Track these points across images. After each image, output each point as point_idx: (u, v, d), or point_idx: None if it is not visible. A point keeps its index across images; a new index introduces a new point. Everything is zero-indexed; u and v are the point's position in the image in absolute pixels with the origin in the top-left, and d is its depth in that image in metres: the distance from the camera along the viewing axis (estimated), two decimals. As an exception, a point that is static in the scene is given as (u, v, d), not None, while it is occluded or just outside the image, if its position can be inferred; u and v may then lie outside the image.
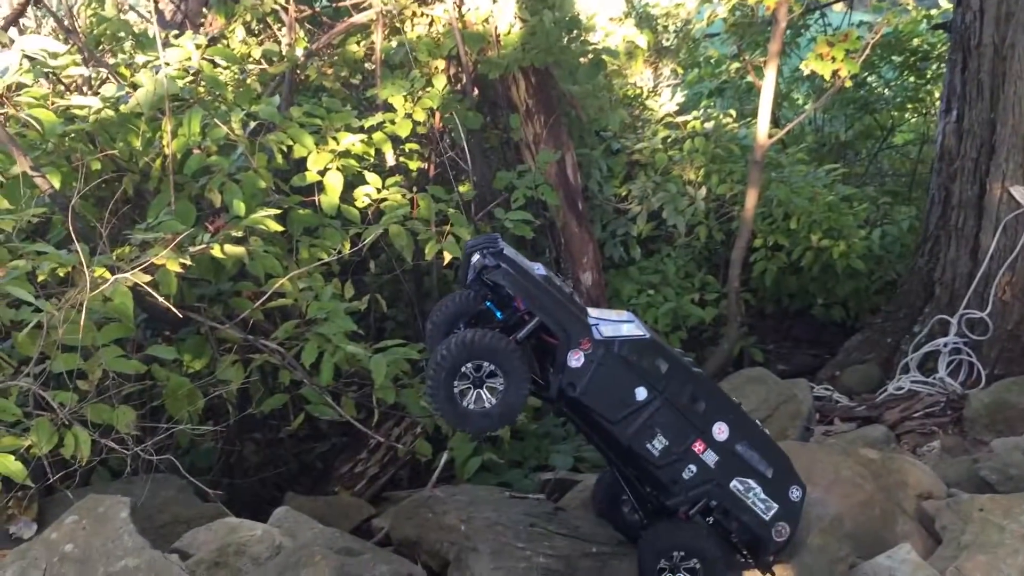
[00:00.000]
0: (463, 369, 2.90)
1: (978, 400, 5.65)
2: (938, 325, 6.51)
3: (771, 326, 8.12)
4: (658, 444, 3.11)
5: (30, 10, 6.02)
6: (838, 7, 11.38)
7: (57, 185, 3.77)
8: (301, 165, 4.89)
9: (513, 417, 3.03)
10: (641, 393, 3.08)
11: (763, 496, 3.25)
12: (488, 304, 3.19)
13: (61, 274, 3.38)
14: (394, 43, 5.97)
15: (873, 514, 3.89)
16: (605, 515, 3.68)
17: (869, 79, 10.49)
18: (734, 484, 3.22)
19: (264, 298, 4.06)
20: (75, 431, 3.07)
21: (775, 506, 3.26)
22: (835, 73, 5.78)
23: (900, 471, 4.17)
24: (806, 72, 6.08)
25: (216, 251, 3.78)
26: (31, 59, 4.20)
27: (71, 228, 3.18)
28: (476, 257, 3.12)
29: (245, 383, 4.12)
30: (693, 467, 3.16)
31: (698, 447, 3.16)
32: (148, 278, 3.28)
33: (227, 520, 3.29)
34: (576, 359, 3.01)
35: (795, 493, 3.32)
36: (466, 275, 3.23)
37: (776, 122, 8.55)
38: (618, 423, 3.08)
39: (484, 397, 2.93)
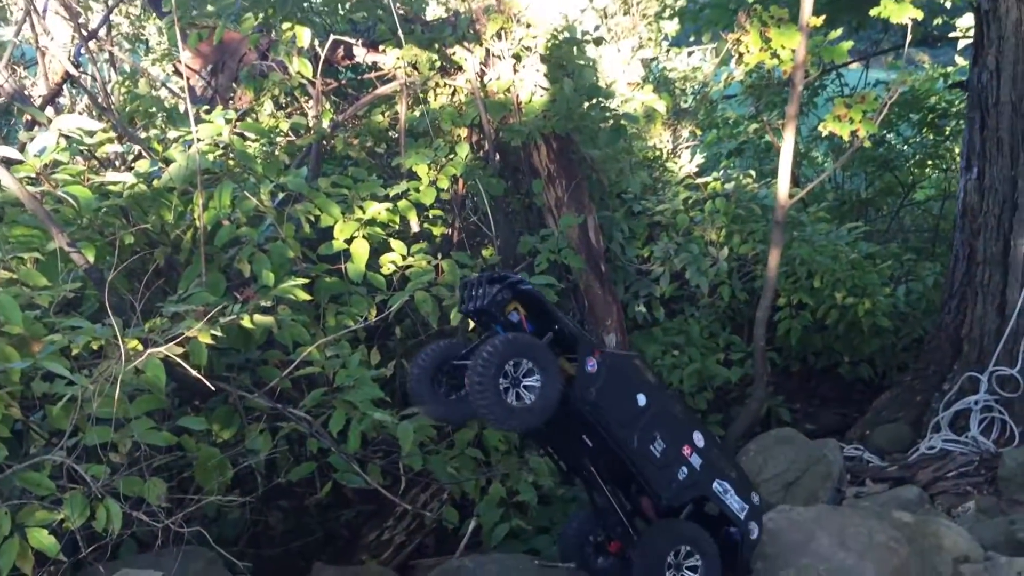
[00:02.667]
0: (506, 367, 3.15)
1: (1012, 459, 5.56)
2: (968, 382, 6.45)
3: (797, 385, 8.05)
4: (659, 446, 3.48)
5: (65, 87, 6.22)
6: (854, 66, 11.54)
7: (91, 259, 3.85)
8: (328, 234, 4.97)
9: (550, 411, 3.26)
10: (641, 399, 3.47)
11: (736, 498, 3.66)
12: (498, 328, 3.44)
13: (95, 347, 3.44)
14: (418, 113, 6.10)
15: (909, 580, 3.82)
16: (571, 558, 3.89)
17: (888, 137, 10.56)
18: (715, 485, 3.62)
19: (292, 367, 4.09)
20: (107, 504, 3.09)
21: (746, 507, 3.67)
22: (854, 134, 5.82)
23: (936, 534, 4.11)
24: (824, 133, 6.13)
25: (246, 321, 3.83)
26: (67, 138, 4.34)
27: (106, 302, 3.25)
28: (495, 286, 3.40)
29: (272, 452, 4.13)
30: (685, 469, 3.55)
31: (687, 451, 3.56)
32: (181, 350, 3.33)
33: (257, 593, 3.28)
34: (591, 365, 3.35)
35: (755, 497, 3.74)
36: (474, 304, 3.44)
37: (796, 181, 8.61)
38: (628, 425, 3.43)
39: (523, 395, 3.18)
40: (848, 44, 6.16)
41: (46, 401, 3.44)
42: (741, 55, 5.94)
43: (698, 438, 3.60)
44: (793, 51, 5.85)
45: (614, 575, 3.77)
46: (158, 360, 3.30)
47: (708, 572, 3.49)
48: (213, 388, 3.63)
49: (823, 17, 5.92)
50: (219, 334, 3.54)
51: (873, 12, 5.94)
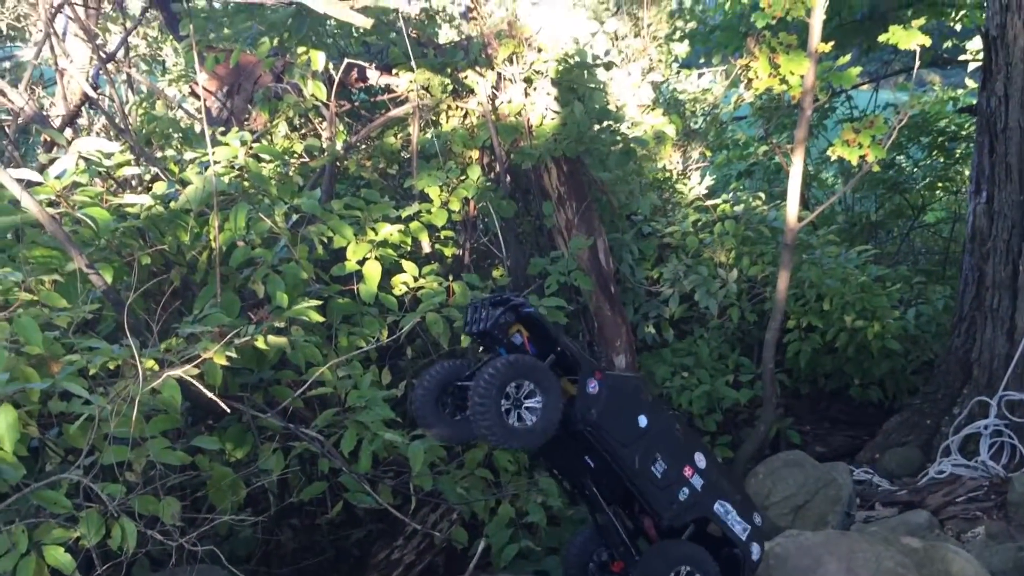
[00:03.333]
0: (508, 389, 3.18)
1: (1022, 484, 5.55)
2: (978, 407, 6.44)
3: (807, 407, 8.04)
4: (660, 467, 3.52)
5: (84, 109, 6.32)
6: (864, 87, 11.59)
7: (109, 280, 3.91)
8: (340, 255, 5.03)
9: (551, 432, 3.30)
10: (642, 420, 3.50)
11: (738, 518, 3.68)
12: (501, 350, 3.49)
13: (111, 367, 3.50)
14: (430, 135, 6.17)
15: (918, 606, 3.82)
16: None
17: (898, 159, 10.57)
18: (717, 506, 3.65)
19: (305, 387, 4.14)
20: (122, 522, 3.13)
21: (748, 527, 3.69)
22: (862, 158, 5.86)
23: (944, 560, 4.10)
24: (834, 158, 6.16)
25: (260, 342, 3.88)
26: (86, 159, 4.42)
27: (125, 323, 3.30)
28: (498, 309, 3.44)
29: (285, 472, 4.17)
30: (686, 489, 3.58)
31: (688, 472, 3.59)
32: (197, 372, 3.38)
33: (268, 612, 3.31)
34: (592, 386, 3.39)
35: (757, 518, 3.76)
36: (477, 327, 3.48)
37: (806, 203, 8.64)
38: (629, 446, 3.46)
39: (525, 416, 3.22)
40: (857, 70, 6.20)
41: (62, 419, 3.50)
42: (750, 80, 5.98)
43: (699, 459, 3.63)
44: (802, 76, 5.90)
45: None
46: (174, 381, 3.35)
47: None
48: (228, 409, 3.67)
49: (832, 43, 5.97)
50: (234, 355, 3.59)
51: (882, 38, 5.99)
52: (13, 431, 2.95)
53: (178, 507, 3.32)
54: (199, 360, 3.44)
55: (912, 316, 7.57)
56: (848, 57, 6.30)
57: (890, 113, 8.49)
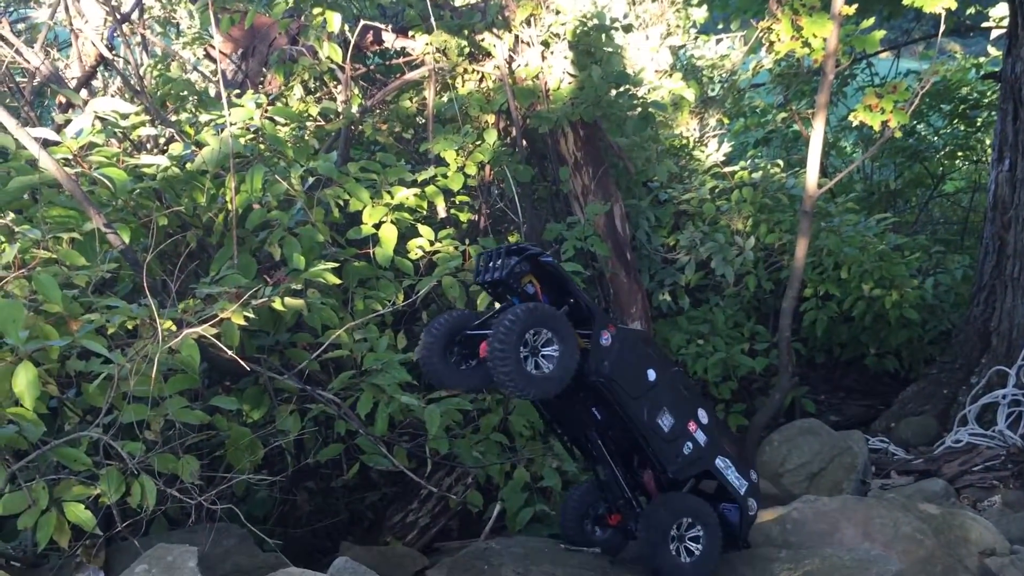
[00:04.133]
0: (526, 336, 3.19)
1: (1039, 454, 5.53)
2: (996, 376, 6.40)
3: (822, 376, 8.03)
4: (667, 420, 3.56)
5: (99, 70, 6.29)
6: (885, 55, 11.42)
7: (127, 240, 3.91)
8: (356, 218, 5.01)
9: (567, 380, 3.30)
10: (651, 374, 3.53)
11: (736, 474, 3.74)
12: (514, 300, 3.50)
13: (130, 327, 3.50)
14: (446, 99, 6.12)
15: (934, 571, 3.81)
16: (572, 531, 3.92)
17: (918, 127, 10.44)
18: (718, 461, 3.70)
19: (321, 349, 4.14)
20: (142, 480, 3.15)
21: (745, 483, 3.75)
22: (884, 124, 5.77)
23: (962, 527, 4.09)
24: (855, 123, 6.08)
25: (276, 304, 3.88)
26: (102, 120, 4.40)
27: (143, 283, 3.30)
28: (513, 258, 3.44)
29: (301, 433, 4.18)
30: (690, 444, 3.63)
31: (692, 427, 3.63)
32: (215, 331, 3.38)
33: (288, 570, 3.33)
34: (605, 338, 3.41)
35: (753, 475, 3.82)
36: (491, 275, 3.47)
37: (825, 171, 8.54)
38: (638, 399, 3.50)
39: (542, 364, 3.23)
40: (880, 33, 6.10)
41: (81, 379, 3.51)
42: (771, 43, 5.89)
43: (702, 415, 3.67)
44: (824, 40, 5.80)
45: (613, 546, 3.81)
46: (192, 340, 3.35)
47: (710, 541, 3.56)
48: (248, 368, 3.67)
49: (855, 6, 5.86)
50: (251, 315, 3.59)
51: (906, 1, 5.88)
52: (33, 388, 2.96)
53: (197, 466, 3.34)
54: (216, 320, 3.44)
55: (930, 285, 7.51)
56: (872, 20, 6.17)
57: (912, 80, 8.36)
